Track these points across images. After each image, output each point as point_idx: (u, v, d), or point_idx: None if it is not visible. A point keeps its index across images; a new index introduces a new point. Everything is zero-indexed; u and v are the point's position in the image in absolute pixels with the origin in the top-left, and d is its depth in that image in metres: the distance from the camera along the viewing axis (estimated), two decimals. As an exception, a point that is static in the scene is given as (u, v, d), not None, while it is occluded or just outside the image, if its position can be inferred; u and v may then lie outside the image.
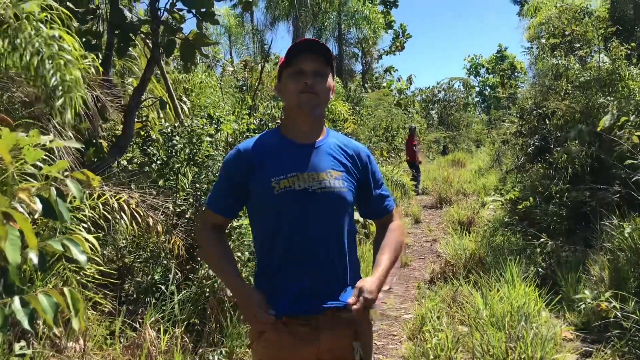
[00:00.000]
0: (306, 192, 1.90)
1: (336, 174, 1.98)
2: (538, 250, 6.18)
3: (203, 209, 2.21)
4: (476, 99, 41.39)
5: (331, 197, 1.94)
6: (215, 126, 4.84)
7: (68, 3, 4.23)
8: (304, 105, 1.94)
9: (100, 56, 5.04)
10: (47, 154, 2.56)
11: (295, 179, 1.91)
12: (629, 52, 7.61)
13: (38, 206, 1.43)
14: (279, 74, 2.06)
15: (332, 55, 2.03)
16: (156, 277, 4.32)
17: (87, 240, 3.35)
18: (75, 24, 4.54)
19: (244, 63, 11.18)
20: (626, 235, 4.90)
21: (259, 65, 10.37)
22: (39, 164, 2.24)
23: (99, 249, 3.39)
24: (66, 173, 1.55)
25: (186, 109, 7.34)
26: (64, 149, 3.44)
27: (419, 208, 11.51)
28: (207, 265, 2.24)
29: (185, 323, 3.87)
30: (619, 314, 4.07)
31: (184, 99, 7.68)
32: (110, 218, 3.80)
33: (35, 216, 2.94)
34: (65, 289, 1.34)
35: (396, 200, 10.98)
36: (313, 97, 1.93)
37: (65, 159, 3.42)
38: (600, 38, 8.71)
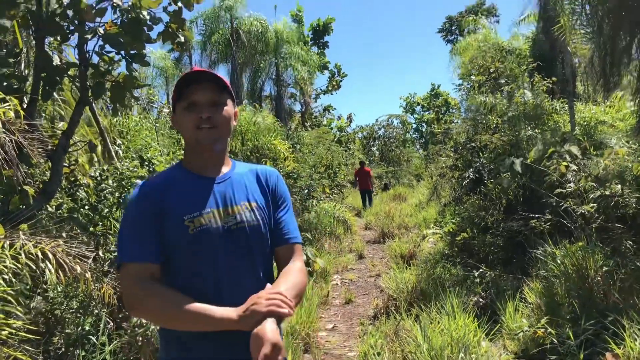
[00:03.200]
0: (223, 230, 1.77)
1: (251, 205, 1.86)
2: (477, 280, 6.27)
3: (120, 272, 1.82)
4: (414, 136, 42.50)
5: (248, 232, 1.81)
6: (148, 168, 4.72)
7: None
8: (203, 141, 1.81)
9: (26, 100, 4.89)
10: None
11: (210, 215, 1.77)
12: (550, 86, 8.01)
13: None
14: (173, 107, 1.91)
15: (225, 81, 1.88)
16: (86, 328, 4.11)
17: (5, 293, 3.17)
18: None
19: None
20: (558, 261, 5.05)
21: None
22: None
23: (15, 302, 3.19)
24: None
25: (120, 152, 7.17)
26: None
27: (363, 243, 11.55)
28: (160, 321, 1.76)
29: (117, 376, 3.68)
30: (555, 340, 4.14)
31: (118, 141, 7.50)
32: (35, 268, 3.61)
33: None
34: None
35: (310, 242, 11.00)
36: (211, 132, 1.81)
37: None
38: (524, 74, 9.14)
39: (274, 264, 1.97)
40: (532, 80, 8.74)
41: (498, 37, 12.28)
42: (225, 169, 1.92)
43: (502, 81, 9.02)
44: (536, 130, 7.61)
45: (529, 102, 7.74)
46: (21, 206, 4.56)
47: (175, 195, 1.80)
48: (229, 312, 1.62)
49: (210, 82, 1.83)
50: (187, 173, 1.88)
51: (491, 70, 9.26)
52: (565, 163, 5.96)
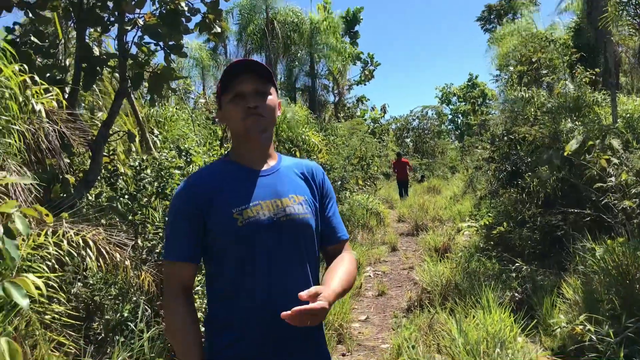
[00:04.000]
0: (272, 222, 1.76)
1: (299, 199, 1.85)
2: (513, 275, 6.17)
3: (163, 266, 1.90)
4: (449, 127, 41.99)
5: (297, 224, 1.81)
6: (185, 158, 4.78)
7: (32, 38, 4.19)
8: (251, 130, 1.80)
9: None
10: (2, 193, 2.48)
11: (259, 207, 1.76)
12: (593, 77, 7.80)
13: (-17, 246, 1.36)
14: (218, 102, 1.92)
15: (270, 71, 1.88)
16: (125, 314, 4.20)
17: (48, 279, 3.26)
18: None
19: (215, 95, 11.17)
20: (598, 257, 4.93)
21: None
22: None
23: (58, 288, 3.27)
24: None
25: (158, 142, 7.28)
26: (23, 187, 3.34)
27: (396, 235, 11.50)
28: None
29: (155, 362, 3.75)
30: (594, 337, 4.06)
31: (156, 132, 7.62)
32: (76, 255, 3.70)
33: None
34: (2, 340, 1.26)
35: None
36: (259, 119, 1.80)
37: (23, 197, 3.32)
38: (565, 65, 8.93)
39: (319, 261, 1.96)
40: (573, 71, 8.53)
41: (538, 26, 12.02)
42: (272, 162, 1.91)
43: (544, 72, 8.82)
44: (576, 123, 7.44)
45: (570, 94, 7.56)
46: (62, 195, 4.68)
47: (224, 188, 1.80)
48: None
49: (254, 72, 1.82)
50: (235, 165, 1.87)
51: (533, 60, 9.06)
52: (606, 156, 5.81)
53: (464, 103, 41.19)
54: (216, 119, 9.94)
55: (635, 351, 3.94)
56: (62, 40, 5.31)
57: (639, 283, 4.59)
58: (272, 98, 1.85)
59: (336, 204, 2.06)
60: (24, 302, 1.33)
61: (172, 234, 1.80)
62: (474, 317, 4.41)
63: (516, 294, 5.74)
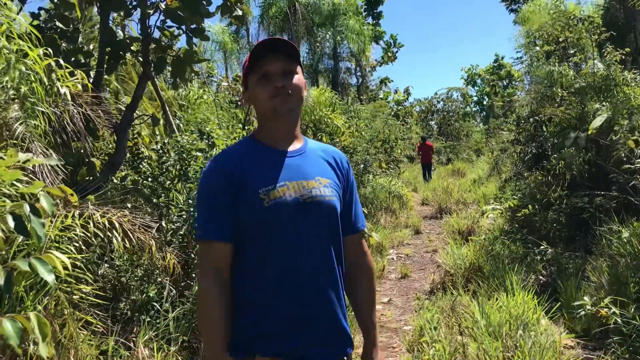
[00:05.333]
0: (298, 203, 1.75)
1: (325, 182, 1.84)
2: (538, 257, 6.12)
3: (199, 246, 1.88)
4: (475, 109, 41.47)
5: (322, 207, 1.80)
6: (207, 141, 4.81)
7: (57, 23, 4.23)
8: (279, 109, 1.78)
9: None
10: (30, 175, 2.53)
11: (285, 188, 1.75)
12: (623, 57, 7.61)
13: (10, 224, 1.40)
14: (245, 82, 1.89)
15: (296, 49, 1.85)
16: (150, 295, 4.28)
17: (76, 259, 3.33)
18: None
19: (238, 78, 11.19)
20: (624, 240, 4.86)
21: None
22: (16, 184, 2.21)
23: (85, 269, 3.34)
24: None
25: (181, 126, 7.34)
26: (50, 169, 3.41)
27: (419, 218, 11.47)
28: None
29: (180, 341, 3.82)
30: (619, 320, 4.01)
31: (179, 115, 7.68)
32: (103, 237, 3.77)
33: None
34: (32, 314, 1.30)
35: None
36: (287, 99, 1.78)
37: (49, 179, 3.39)
38: (594, 44, 8.71)
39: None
40: (602, 50, 8.32)
41: (566, 4, 11.72)
42: (298, 144, 1.90)
43: (571, 51, 8.63)
44: (604, 103, 7.28)
45: (597, 74, 7.38)
46: (88, 178, 4.76)
47: (250, 168, 1.79)
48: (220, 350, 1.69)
49: (280, 52, 1.80)
50: (261, 146, 1.86)
51: (560, 39, 8.85)
52: (634, 137, 5.68)
53: (489, 85, 40.58)
54: (240, 102, 9.98)
55: (661, 334, 3.89)
56: (83, 25, 5.36)
57: (666, 266, 4.52)
58: (299, 77, 1.83)
59: (357, 195, 2.07)
60: (49, 278, 1.37)
61: (208, 212, 1.79)
62: (497, 299, 4.39)
63: (540, 277, 5.70)
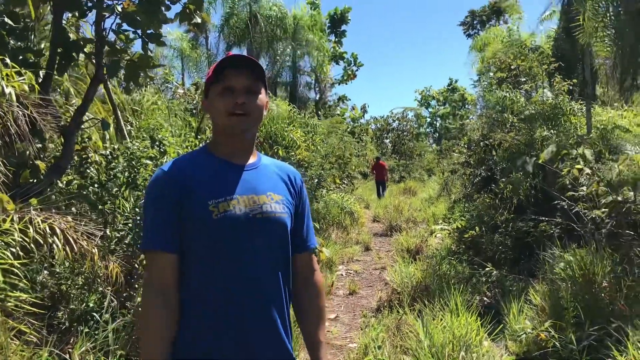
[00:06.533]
0: (247, 217, 1.72)
1: (277, 197, 1.82)
2: (483, 279, 6.23)
3: (144, 256, 1.82)
4: (427, 130, 42.28)
5: (272, 223, 1.78)
6: (158, 148, 4.72)
7: (5, 19, 4.09)
8: (234, 128, 1.77)
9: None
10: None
11: (235, 202, 1.72)
12: (570, 87, 7.91)
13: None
14: (206, 90, 1.86)
15: (263, 69, 1.84)
16: (90, 305, 4.14)
17: (12, 266, 3.19)
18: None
19: (195, 86, 11.07)
20: (565, 265, 5.00)
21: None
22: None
23: (22, 276, 3.21)
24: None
25: (132, 132, 7.19)
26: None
27: (370, 235, 11.54)
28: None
29: (118, 354, 3.70)
30: (558, 344, 4.11)
31: (131, 120, 7.52)
32: (43, 243, 3.63)
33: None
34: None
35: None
36: (244, 119, 1.76)
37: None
38: (544, 73, 9.04)
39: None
40: (552, 80, 8.64)
41: (521, 33, 12.15)
42: (252, 159, 1.88)
43: (523, 79, 8.92)
44: (552, 131, 7.53)
45: (547, 102, 7.65)
46: (32, 180, 4.59)
47: (201, 179, 1.76)
48: None
49: (248, 69, 1.79)
50: (214, 157, 1.83)
51: (512, 67, 9.16)
52: (579, 166, 5.89)
53: (443, 105, 41.51)
54: (195, 110, 9.85)
55: (596, 359, 4.00)
56: (38, 22, 5.20)
57: (604, 292, 4.67)
58: (262, 97, 1.82)
59: (310, 213, 2.06)
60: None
61: (153, 222, 1.75)
62: (441, 319, 4.43)
63: (485, 298, 5.80)
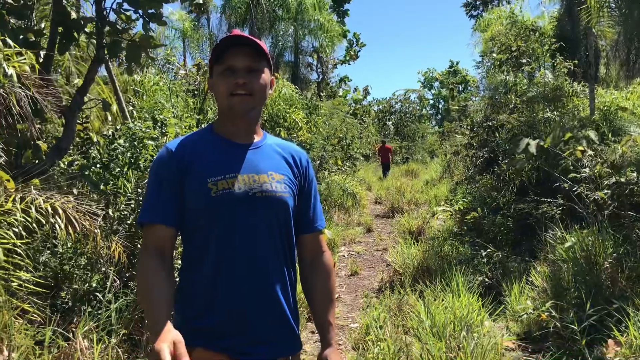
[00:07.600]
0: (246, 196, 1.73)
1: (278, 177, 1.82)
2: (484, 260, 6.25)
3: (140, 228, 1.84)
4: (430, 112, 42.12)
5: (272, 202, 1.77)
6: (160, 129, 4.70)
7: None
8: (236, 109, 1.77)
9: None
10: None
11: (234, 180, 1.73)
12: (572, 68, 7.85)
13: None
14: (210, 69, 1.86)
15: (265, 48, 1.82)
16: (93, 285, 4.16)
17: (15, 245, 3.20)
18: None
19: (196, 66, 11.01)
20: (567, 246, 5.01)
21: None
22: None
23: (25, 255, 3.22)
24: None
25: (135, 112, 7.17)
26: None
27: (372, 217, 11.57)
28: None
29: (121, 333, 3.73)
30: (558, 324, 4.14)
31: (133, 101, 7.50)
32: (45, 223, 3.63)
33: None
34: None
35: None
36: (246, 99, 1.75)
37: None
38: (546, 54, 8.96)
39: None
40: (554, 61, 8.57)
41: (524, 14, 12.02)
42: (256, 138, 1.87)
43: (524, 60, 8.85)
44: (554, 113, 7.50)
45: (549, 84, 7.61)
46: (34, 161, 4.58)
47: (202, 157, 1.78)
48: (161, 333, 1.49)
49: (249, 48, 1.78)
50: (217, 137, 1.84)
51: (513, 48, 9.08)
52: (581, 148, 5.86)
53: (445, 89, 41.30)
54: (196, 91, 9.82)
55: (596, 339, 4.03)
56: (38, 1, 5.15)
57: (605, 273, 4.68)
58: (265, 76, 1.80)
59: (318, 193, 2.05)
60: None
61: (152, 197, 1.78)
62: (442, 300, 4.46)
63: (486, 279, 5.81)
